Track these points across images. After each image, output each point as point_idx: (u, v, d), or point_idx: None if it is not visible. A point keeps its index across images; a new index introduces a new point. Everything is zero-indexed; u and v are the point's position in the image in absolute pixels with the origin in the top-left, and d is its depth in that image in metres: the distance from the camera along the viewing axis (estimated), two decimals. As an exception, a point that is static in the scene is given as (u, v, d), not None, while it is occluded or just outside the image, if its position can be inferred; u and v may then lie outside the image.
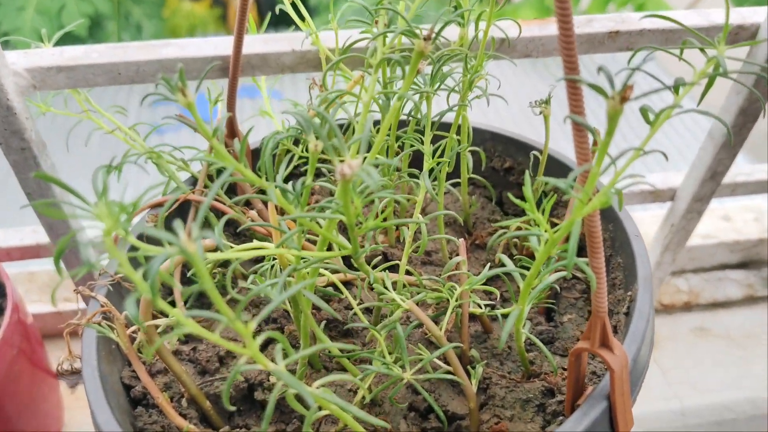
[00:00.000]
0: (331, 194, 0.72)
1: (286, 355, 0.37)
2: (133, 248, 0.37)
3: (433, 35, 0.42)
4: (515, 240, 0.69)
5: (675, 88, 0.44)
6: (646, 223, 1.07)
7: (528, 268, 0.53)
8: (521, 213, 0.74)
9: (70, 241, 0.69)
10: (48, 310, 0.94)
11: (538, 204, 0.65)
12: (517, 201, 0.42)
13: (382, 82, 0.54)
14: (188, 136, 2.00)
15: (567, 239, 0.43)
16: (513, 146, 0.73)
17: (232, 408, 0.55)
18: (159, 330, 0.54)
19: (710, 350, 0.98)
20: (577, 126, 0.39)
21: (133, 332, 0.52)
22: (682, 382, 0.94)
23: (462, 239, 0.59)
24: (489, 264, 0.58)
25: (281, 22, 0.69)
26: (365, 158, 0.42)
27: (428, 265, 0.69)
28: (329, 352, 0.59)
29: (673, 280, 1.03)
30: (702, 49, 0.42)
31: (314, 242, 0.58)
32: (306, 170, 0.78)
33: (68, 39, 0.65)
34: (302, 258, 0.47)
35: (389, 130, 0.59)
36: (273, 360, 0.36)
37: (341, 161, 0.37)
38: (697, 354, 0.97)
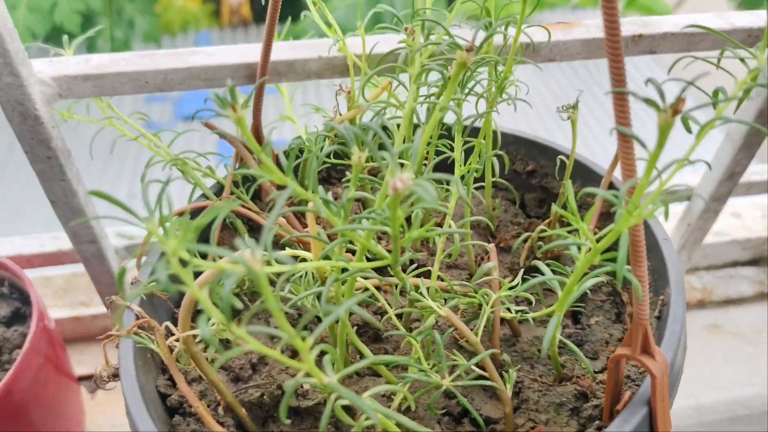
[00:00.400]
0: (357, 200, 0.72)
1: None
2: (183, 262, 0.37)
3: (476, 46, 0.43)
4: (539, 243, 0.69)
5: (714, 97, 0.44)
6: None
7: (559, 273, 0.53)
8: (543, 216, 0.75)
9: (92, 246, 0.69)
10: (66, 315, 0.94)
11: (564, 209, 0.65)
12: (562, 211, 0.43)
13: (412, 90, 0.54)
14: (199, 137, 2.00)
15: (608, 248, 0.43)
16: (535, 149, 0.73)
17: (287, 421, 0.56)
18: (197, 340, 0.54)
19: (723, 347, 0.99)
20: (624, 137, 0.40)
21: (172, 342, 0.52)
22: (696, 380, 0.95)
23: (492, 245, 0.60)
24: (522, 271, 0.59)
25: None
26: (416, 173, 0.42)
27: (453, 269, 0.69)
28: (362, 356, 0.59)
29: (687, 277, 1.04)
30: (742, 59, 0.43)
31: (350, 251, 0.58)
32: (330, 175, 0.78)
33: (59, 35, 0.65)
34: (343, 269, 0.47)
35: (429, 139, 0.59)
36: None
37: (391, 176, 0.37)
38: (710, 351, 0.98)
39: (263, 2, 0.58)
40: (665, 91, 0.36)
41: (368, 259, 0.51)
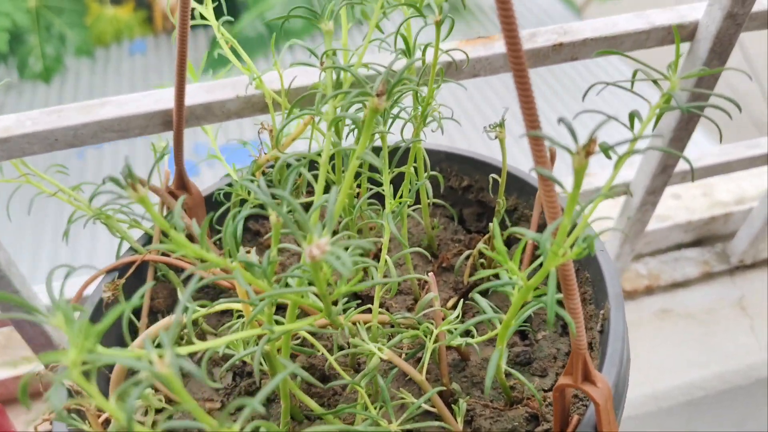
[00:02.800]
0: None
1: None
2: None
3: (386, 91, 0.41)
4: (481, 260, 0.69)
5: (630, 120, 0.44)
6: (605, 213, 1.08)
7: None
8: (483, 229, 0.74)
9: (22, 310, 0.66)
10: (8, 375, 0.90)
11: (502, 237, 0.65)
12: (490, 253, 0.42)
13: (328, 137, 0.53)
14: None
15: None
16: (468, 164, 0.72)
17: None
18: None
19: (674, 331, 1.01)
20: (543, 178, 0.39)
21: (105, 420, 0.50)
22: (652, 366, 0.97)
23: (431, 273, 0.59)
24: (463, 299, 0.58)
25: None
26: (335, 234, 0.40)
27: (399, 295, 0.68)
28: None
29: (633, 265, 1.05)
30: (656, 81, 0.42)
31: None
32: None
33: None
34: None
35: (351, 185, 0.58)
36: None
37: (308, 243, 0.36)
38: (663, 336, 1.00)
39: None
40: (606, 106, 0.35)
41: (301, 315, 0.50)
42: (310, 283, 0.44)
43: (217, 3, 0.63)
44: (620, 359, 0.51)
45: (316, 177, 0.58)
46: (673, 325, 1.01)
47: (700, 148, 2.16)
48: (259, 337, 0.56)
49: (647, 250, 1.07)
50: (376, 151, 0.61)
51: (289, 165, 0.56)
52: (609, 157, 0.41)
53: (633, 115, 0.44)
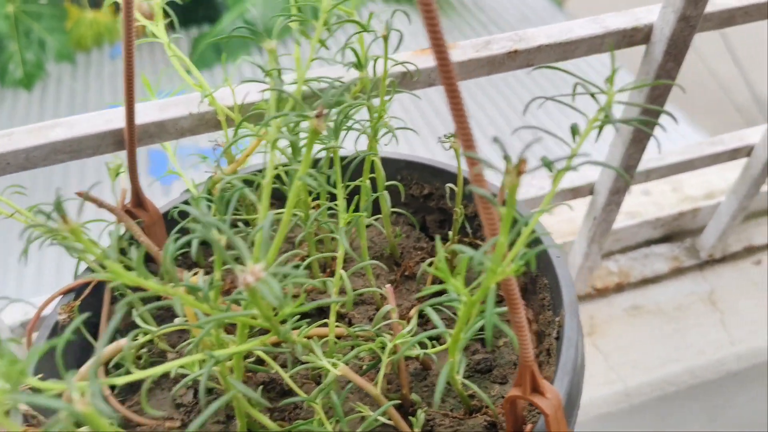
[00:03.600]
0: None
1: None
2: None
3: (325, 113, 0.41)
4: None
5: (573, 133, 0.44)
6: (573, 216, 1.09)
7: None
8: (445, 237, 0.74)
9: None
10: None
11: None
12: (431, 270, 0.42)
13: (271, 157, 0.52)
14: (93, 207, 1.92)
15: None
16: (428, 172, 0.72)
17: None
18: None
19: (645, 327, 1.01)
20: (482, 198, 0.39)
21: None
22: (623, 363, 0.98)
23: (388, 286, 0.59)
24: (416, 311, 0.58)
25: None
26: (272, 260, 0.40)
27: (361, 305, 0.68)
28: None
29: (604, 263, 1.06)
30: (593, 95, 0.43)
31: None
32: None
33: None
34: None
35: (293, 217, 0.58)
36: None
37: (242, 270, 0.36)
38: (634, 333, 1.01)
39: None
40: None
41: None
42: (258, 304, 0.44)
43: (170, 20, 0.62)
44: (573, 367, 0.52)
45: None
46: (644, 321, 1.02)
47: (687, 139, 2.18)
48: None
49: (617, 247, 1.08)
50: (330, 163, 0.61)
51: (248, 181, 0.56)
52: (551, 170, 0.41)
53: (574, 129, 0.44)
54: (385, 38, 0.54)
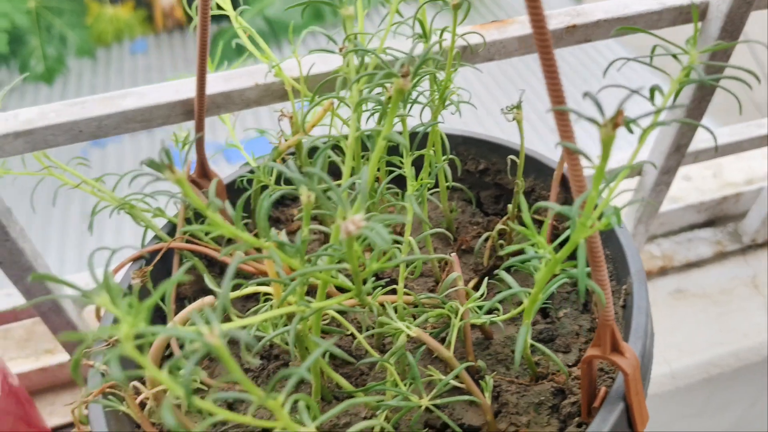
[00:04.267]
0: (315, 218, 0.71)
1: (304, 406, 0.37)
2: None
3: (412, 72, 0.42)
4: (500, 242, 0.69)
5: (651, 94, 0.45)
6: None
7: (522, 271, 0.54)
8: (501, 212, 0.75)
9: (48, 298, 0.67)
10: (31, 367, 0.91)
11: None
12: (519, 228, 0.43)
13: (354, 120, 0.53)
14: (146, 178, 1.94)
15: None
16: (485, 147, 0.73)
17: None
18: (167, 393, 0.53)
19: (689, 311, 1.01)
20: (569, 152, 0.40)
21: (143, 399, 0.51)
22: (668, 346, 0.98)
23: (453, 254, 0.60)
24: (487, 271, 0.59)
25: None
26: (369, 213, 0.41)
27: (420, 277, 0.69)
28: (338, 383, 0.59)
29: (647, 246, 1.06)
30: (675, 56, 0.43)
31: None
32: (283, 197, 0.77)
33: None
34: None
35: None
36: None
37: (342, 219, 0.37)
38: (678, 316, 1.01)
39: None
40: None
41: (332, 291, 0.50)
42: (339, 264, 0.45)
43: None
44: (645, 332, 0.52)
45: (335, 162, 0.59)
46: (689, 305, 1.02)
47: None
48: (289, 318, 0.57)
49: (661, 231, 1.08)
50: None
51: (315, 148, 0.57)
52: (630, 131, 0.42)
53: (654, 89, 0.44)
54: (456, 7, 0.54)
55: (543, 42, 0.37)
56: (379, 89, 0.56)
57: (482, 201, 0.76)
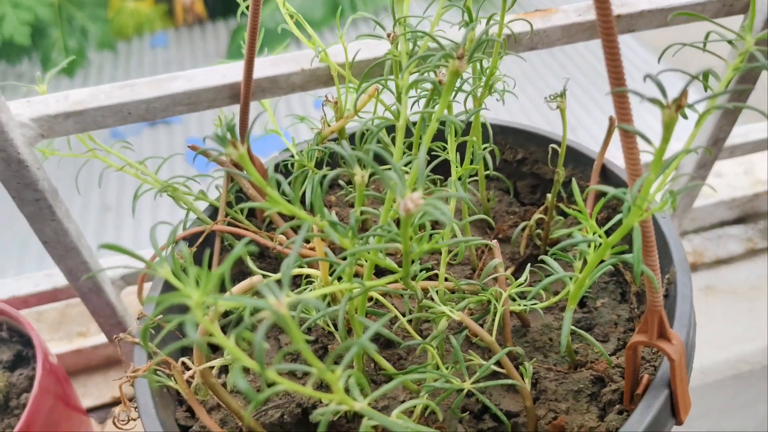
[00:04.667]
0: (352, 205, 0.72)
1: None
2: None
3: (467, 54, 0.42)
4: (538, 231, 0.70)
5: (704, 79, 0.45)
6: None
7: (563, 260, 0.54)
8: (537, 202, 0.75)
9: (89, 280, 0.68)
10: (65, 349, 0.93)
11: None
12: (570, 210, 0.43)
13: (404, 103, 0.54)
14: (181, 160, 1.96)
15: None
16: (523, 137, 0.73)
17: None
18: (214, 371, 0.53)
19: (719, 306, 1.01)
20: (626, 134, 0.40)
21: (189, 377, 0.52)
22: (698, 341, 0.96)
23: (494, 240, 0.60)
24: (525, 260, 0.59)
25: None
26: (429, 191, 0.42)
27: (456, 265, 0.69)
28: (377, 365, 0.59)
29: (677, 242, 1.05)
30: (731, 42, 0.43)
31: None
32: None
33: (12, 49, 0.64)
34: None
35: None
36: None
37: (401, 196, 0.37)
38: (709, 312, 1.00)
39: None
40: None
41: (378, 272, 0.51)
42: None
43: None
44: (689, 321, 0.52)
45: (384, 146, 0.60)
46: (719, 301, 1.01)
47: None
48: (333, 300, 0.57)
49: (691, 227, 1.07)
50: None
51: (365, 131, 0.57)
52: (686, 117, 0.42)
53: (707, 74, 0.44)
54: (505, -6, 0.55)
55: (606, 24, 0.37)
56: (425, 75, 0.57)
57: (519, 191, 0.76)
